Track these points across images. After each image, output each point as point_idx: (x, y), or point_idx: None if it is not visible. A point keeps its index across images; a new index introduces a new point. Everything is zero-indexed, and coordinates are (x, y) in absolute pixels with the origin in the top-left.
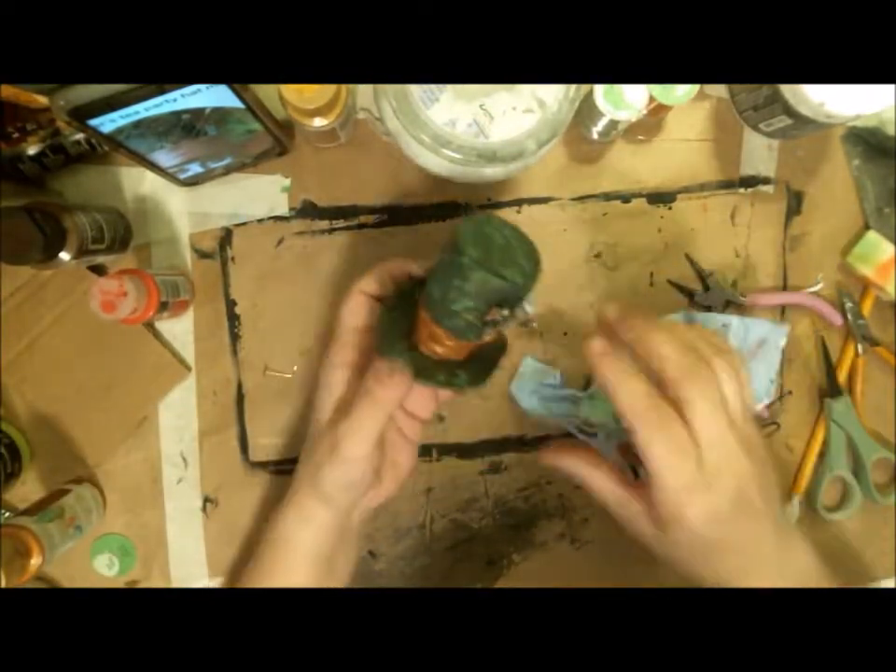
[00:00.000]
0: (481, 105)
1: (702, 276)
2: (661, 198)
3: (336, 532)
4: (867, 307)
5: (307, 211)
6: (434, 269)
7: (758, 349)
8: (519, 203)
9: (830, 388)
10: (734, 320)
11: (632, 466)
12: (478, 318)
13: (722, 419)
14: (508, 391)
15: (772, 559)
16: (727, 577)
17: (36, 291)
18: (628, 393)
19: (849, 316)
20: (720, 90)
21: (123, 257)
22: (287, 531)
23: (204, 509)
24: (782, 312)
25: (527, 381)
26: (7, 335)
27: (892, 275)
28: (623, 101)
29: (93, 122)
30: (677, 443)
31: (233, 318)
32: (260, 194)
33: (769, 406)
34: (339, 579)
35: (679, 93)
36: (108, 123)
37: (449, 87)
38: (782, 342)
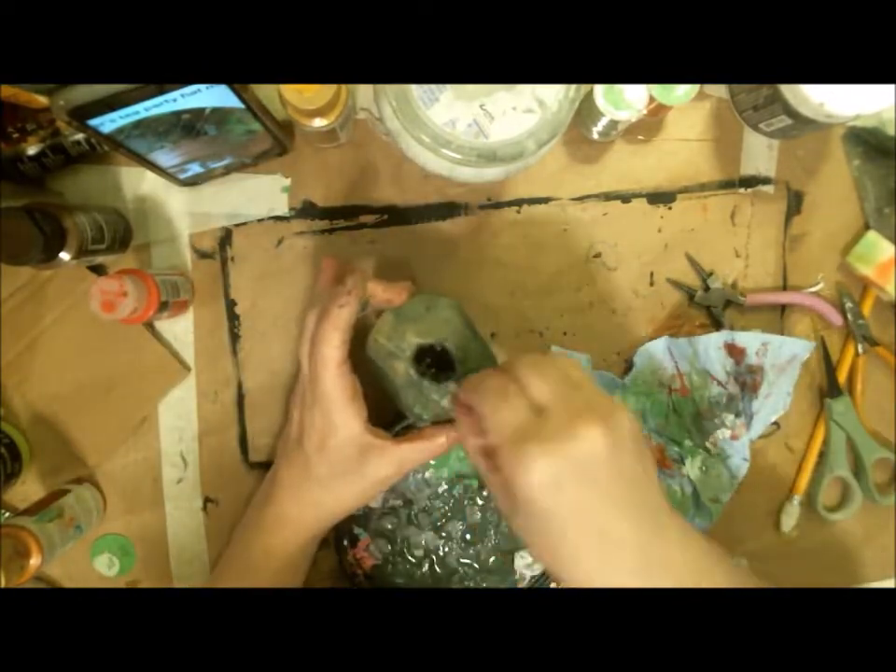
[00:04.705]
0: (481, 105)
1: (702, 276)
2: (661, 198)
3: (305, 535)
4: (867, 307)
5: (307, 211)
6: None
7: (787, 364)
8: (519, 202)
9: (830, 388)
10: (772, 339)
11: None
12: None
13: (561, 385)
14: None
15: (620, 551)
16: (565, 560)
17: (36, 291)
18: (478, 377)
19: (849, 316)
20: (720, 90)
21: (123, 257)
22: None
23: (205, 508)
24: (782, 312)
25: None
26: (7, 335)
27: (892, 275)
28: (623, 101)
29: (93, 122)
30: (507, 393)
31: (233, 318)
32: (260, 194)
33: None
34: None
35: (679, 93)
36: (108, 123)
37: (449, 87)
38: (806, 356)
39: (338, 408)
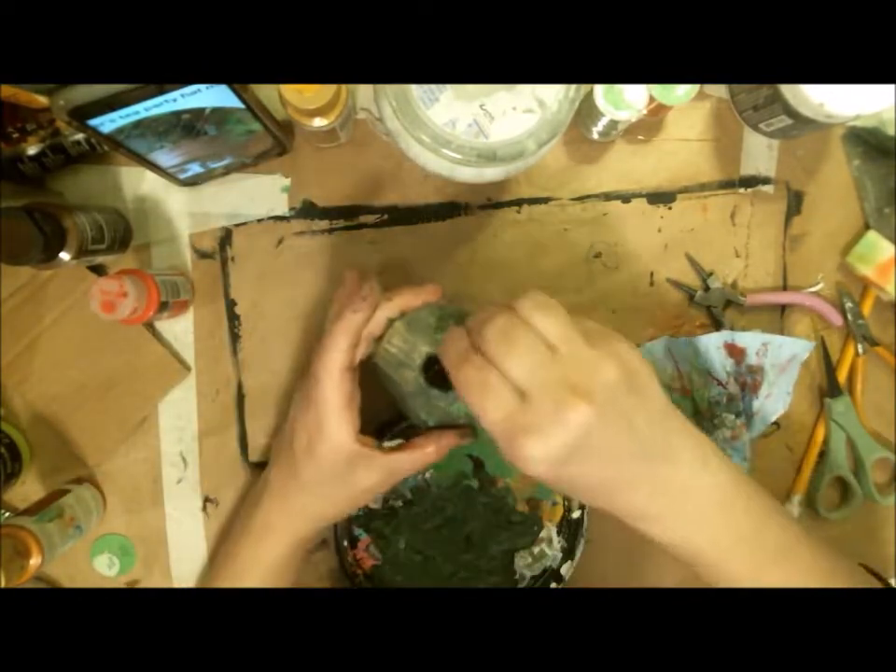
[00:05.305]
0: (481, 105)
1: (702, 276)
2: (661, 198)
3: (295, 543)
4: (867, 307)
5: (307, 211)
6: None
7: (788, 363)
8: (519, 202)
9: (830, 388)
10: (772, 339)
11: None
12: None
13: (538, 358)
14: None
15: (633, 488)
16: (613, 509)
17: (36, 291)
18: (452, 352)
19: (849, 316)
20: (720, 90)
21: (123, 257)
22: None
23: (204, 509)
24: (782, 312)
25: None
26: (7, 335)
27: (892, 275)
28: (623, 101)
29: (93, 122)
30: (488, 386)
31: (233, 318)
32: (260, 194)
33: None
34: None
35: (679, 93)
36: (108, 123)
37: (449, 87)
38: (805, 355)
39: (332, 414)
